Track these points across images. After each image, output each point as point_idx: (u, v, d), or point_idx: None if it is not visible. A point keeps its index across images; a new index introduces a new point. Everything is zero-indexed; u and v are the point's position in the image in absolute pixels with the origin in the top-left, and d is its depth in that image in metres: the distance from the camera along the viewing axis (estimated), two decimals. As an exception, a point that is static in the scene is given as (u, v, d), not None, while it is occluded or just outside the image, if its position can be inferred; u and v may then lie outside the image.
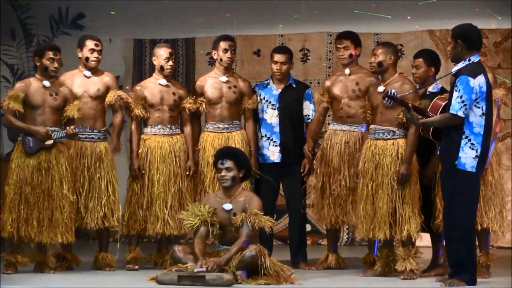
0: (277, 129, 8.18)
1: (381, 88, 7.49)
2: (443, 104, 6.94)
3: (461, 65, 6.74)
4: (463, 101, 6.62)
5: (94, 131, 7.94)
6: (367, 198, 7.44)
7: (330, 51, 10.12)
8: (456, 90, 6.65)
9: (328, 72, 10.12)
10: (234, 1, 10.23)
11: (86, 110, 7.90)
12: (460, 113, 6.63)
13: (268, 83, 8.26)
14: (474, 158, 6.63)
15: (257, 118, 8.25)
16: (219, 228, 7.28)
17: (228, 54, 8.09)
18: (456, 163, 6.64)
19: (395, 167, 7.35)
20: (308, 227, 9.35)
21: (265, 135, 8.20)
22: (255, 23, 10.26)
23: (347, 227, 9.83)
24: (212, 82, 8.18)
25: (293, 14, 10.11)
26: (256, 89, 8.28)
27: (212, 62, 10.28)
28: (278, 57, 8.15)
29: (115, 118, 8.01)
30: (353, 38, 8.03)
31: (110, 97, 7.94)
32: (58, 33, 10.45)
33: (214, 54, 8.19)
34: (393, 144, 7.41)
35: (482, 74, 6.72)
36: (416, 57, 7.81)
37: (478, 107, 6.67)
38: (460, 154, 6.64)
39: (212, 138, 8.13)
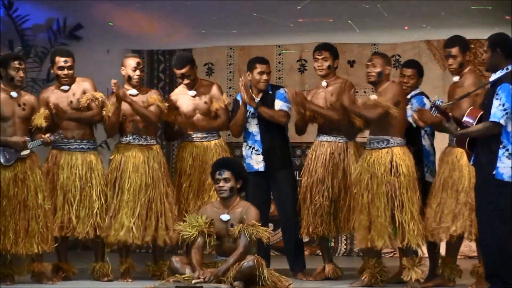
0: (258, 138, 8.16)
1: (373, 97, 7.52)
2: (479, 114, 6.77)
3: (499, 73, 6.62)
4: (505, 109, 6.48)
5: (84, 141, 7.96)
6: (363, 209, 7.45)
7: (327, 62, 10.19)
8: (497, 98, 6.51)
9: (325, 83, 10.18)
10: (232, 12, 10.27)
11: (72, 122, 7.92)
12: (502, 121, 6.49)
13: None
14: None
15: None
16: (216, 239, 7.27)
17: (138, 72, 8.06)
18: (494, 173, 6.53)
19: (390, 177, 7.36)
20: (306, 238, 9.31)
21: (248, 144, 8.20)
22: (252, 34, 10.29)
23: (345, 237, 9.93)
24: (182, 98, 8.22)
25: (290, 24, 10.13)
26: (238, 99, 8.23)
27: (210, 73, 10.31)
28: (264, 68, 8.14)
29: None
30: (332, 50, 8.08)
31: (84, 99, 7.91)
32: (56, 44, 10.44)
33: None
34: (387, 152, 7.44)
35: None
36: (407, 67, 7.92)
37: None
38: (498, 164, 6.52)
39: (191, 148, 8.16)
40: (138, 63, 8.06)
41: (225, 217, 7.27)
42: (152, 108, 7.99)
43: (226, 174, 7.27)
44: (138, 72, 8.05)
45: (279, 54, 10.26)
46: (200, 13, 10.34)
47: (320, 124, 8.13)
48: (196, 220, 7.27)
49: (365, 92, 9.77)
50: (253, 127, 8.18)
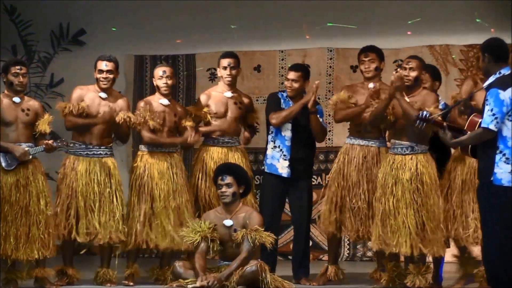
0: (288, 143, 8.13)
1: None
2: (479, 121, 6.77)
3: (492, 78, 6.65)
4: (494, 114, 6.47)
5: (102, 147, 7.97)
6: (389, 213, 7.45)
7: (330, 67, 10.19)
8: (487, 104, 6.52)
9: (329, 88, 10.17)
10: (235, 17, 10.32)
11: (96, 129, 7.93)
12: (492, 127, 6.47)
13: (287, 96, 8.23)
14: (510, 172, 6.50)
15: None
16: (219, 244, 7.31)
17: (164, 80, 8.08)
18: (492, 179, 6.52)
19: (415, 183, 7.38)
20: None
21: (278, 146, 8.17)
22: (255, 39, 10.33)
23: (348, 242, 9.94)
24: (216, 97, 8.27)
25: (293, 29, 10.18)
26: (279, 96, 8.24)
27: (213, 78, 10.34)
28: (290, 75, 8.15)
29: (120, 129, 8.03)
30: (378, 52, 8.03)
31: (120, 117, 7.90)
32: (59, 49, 10.51)
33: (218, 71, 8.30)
34: (411, 159, 7.46)
35: None
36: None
37: (510, 120, 6.55)
38: (496, 170, 6.50)
39: (212, 152, 8.19)
40: (164, 71, 8.07)
41: (228, 222, 7.30)
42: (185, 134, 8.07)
43: (229, 179, 7.30)
44: (164, 80, 8.05)
45: (282, 59, 10.29)
46: (203, 18, 10.40)
47: (353, 127, 8.11)
48: (199, 225, 7.30)
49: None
50: (287, 132, 8.15)
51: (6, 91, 7.77)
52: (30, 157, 7.64)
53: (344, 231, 8.04)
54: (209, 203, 8.14)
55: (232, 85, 8.30)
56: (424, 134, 7.45)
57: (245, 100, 8.37)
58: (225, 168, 7.46)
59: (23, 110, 7.73)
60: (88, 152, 7.93)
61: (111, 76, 7.98)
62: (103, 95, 7.97)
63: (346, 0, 10.07)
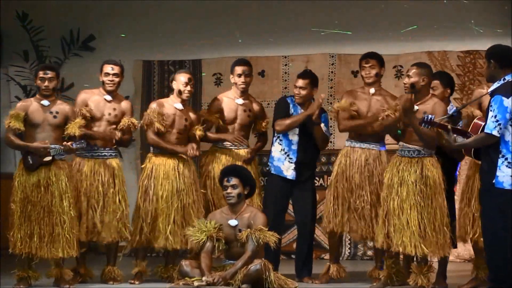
0: (295, 147, 8.23)
1: (414, 108, 7.51)
2: (483, 124, 6.88)
3: (496, 84, 6.72)
4: (497, 120, 6.56)
5: (106, 148, 8.09)
6: (394, 213, 7.50)
7: (332, 72, 10.21)
8: (490, 110, 6.61)
9: (330, 92, 10.20)
10: (240, 24, 10.38)
11: (100, 131, 8.07)
12: (495, 132, 6.56)
13: (294, 101, 8.33)
14: (511, 176, 6.60)
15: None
16: (225, 244, 7.39)
17: (188, 88, 8.19)
18: (494, 181, 6.60)
19: (420, 185, 7.45)
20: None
21: (283, 150, 8.27)
22: (259, 44, 10.37)
23: (349, 241, 10.00)
24: (228, 103, 8.39)
25: (296, 35, 10.23)
26: (288, 100, 8.34)
27: (218, 83, 10.43)
28: (298, 83, 8.24)
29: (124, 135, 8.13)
30: (379, 58, 8.13)
31: (123, 123, 8.05)
32: (70, 55, 10.56)
33: (232, 78, 8.42)
34: (417, 162, 7.51)
35: None
36: (432, 78, 7.78)
37: None
38: (498, 173, 6.59)
39: (220, 155, 8.32)
40: (189, 79, 8.17)
41: (233, 222, 7.40)
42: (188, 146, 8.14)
43: (234, 180, 7.40)
44: (189, 87, 8.16)
45: (285, 65, 10.35)
46: (209, 24, 10.46)
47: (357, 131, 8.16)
48: (205, 225, 7.39)
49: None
50: (294, 136, 8.25)
51: (37, 95, 7.93)
52: (50, 158, 7.71)
53: (348, 232, 8.11)
54: (217, 205, 8.22)
55: (244, 92, 8.41)
56: (432, 140, 7.49)
57: (255, 107, 8.45)
58: (231, 170, 7.55)
59: (51, 113, 7.83)
60: (93, 153, 8.04)
61: (117, 79, 8.10)
62: (108, 97, 8.08)
63: (347, 7, 10.12)
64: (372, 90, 8.11)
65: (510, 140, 6.64)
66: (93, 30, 10.64)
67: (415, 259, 7.70)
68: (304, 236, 8.31)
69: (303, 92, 8.20)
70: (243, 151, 8.35)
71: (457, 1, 9.80)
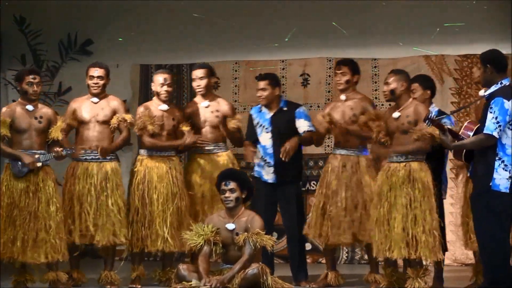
0: (270, 151, 8.26)
1: (396, 114, 7.60)
2: (475, 127, 6.96)
3: (493, 88, 6.77)
4: (498, 122, 6.61)
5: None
6: (383, 219, 7.54)
7: (329, 76, 10.19)
8: (490, 112, 6.65)
9: (328, 96, 10.23)
10: (237, 28, 10.40)
11: (94, 133, 8.06)
12: (495, 134, 6.61)
13: (261, 108, 8.40)
14: (507, 179, 6.65)
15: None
16: (222, 247, 7.39)
17: (165, 88, 8.22)
18: (490, 184, 6.64)
19: (407, 188, 7.48)
20: (309, 246, 9.40)
21: (261, 157, 8.30)
22: (257, 49, 10.39)
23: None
24: (194, 108, 8.41)
25: (294, 39, 10.23)
26: (252, 113, 8.44)
27: (216, 87, 10.48)
28: (259, 85, 8.30)
29: (120, 136, 8.13)
30: (351, 65, 8.22)
31: (114, 120, 8.08)
32: (67, 59, 10.57)
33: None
34: (405, 166, 7.54)
35: None
36: (411, 82, 7.91)
37: (511, 129, 6.69)
38: (495, 176, 6.63)
39: (200, 160, 8.32)
40: (165, 79, 8.18)
41: (230, 226, 7.40)
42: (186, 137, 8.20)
43: (232, 184, 7.41)
44: (165, 87, 8.18)
45: (283, 69, 10.36)
46: (207, 27, 10.48)
47: (334, 138, 8.28)
48: (202, 229, 7.39)
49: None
50: (267, 141, 8.29)
51: (20, 99, 7.89)
52: (40, 164, 7.73)
53: (318, 237, 8.19)
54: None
55: (205, 95, 8.41)
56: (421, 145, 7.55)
57: (224, 107, 8.42)
58: (229, 174, 7.56)
59: (36, 118, 7.82)
60: (87, 157, 8.04)
61: (102, 82, 8.09)
62: (95, 100, 8.10)
63: (345, 12, 10.14)
64: (342, 97, 8.23)
65: (507, 143, 6.69)
66: (90, 34, 10.66)
67: (407, 264, 7.70)
68: (293, 240, 8.33)
69: (265, 93, 8.27)
70: (221, 154, 8.37)
71: (454, 5, 9.86)
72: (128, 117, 8.12)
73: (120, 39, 10.56)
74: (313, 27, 10.26)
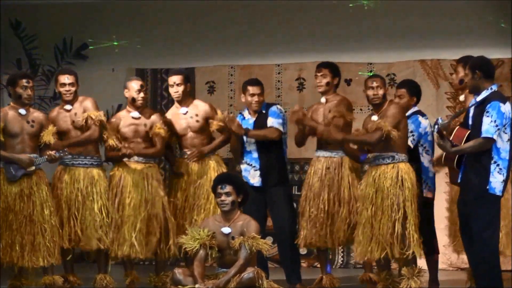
0: (255, 155, 8.30)
1: (374, 117, 7.69)
2: (467, 133, 6.96)
3: (485, 93, 6.83)
4: (497, 125, 6.69)
5: (87, 157, 8.09)
6: (366, 222, 7.58)
7: (325, 80, 10.34)
8: (487, 116, 6.70)
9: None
10: (233, 32, 10.45)
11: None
12: (495, 137, 6.69)
13: (244, 114, 8.44)
14: (501, 182, 6.74)
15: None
16: (217, 251, 7.38)
17: (142, 94, 8.24)
18: (487, 187, 6.73)
19: (396, 189, 7.52)
20: (304, 250, 9.40)
21: (246, 162, 8.35)
22: (252, 53, 10.43)
23: (342, 249, 10.01)
24: (174, 116, 8.42)
25: (289, 44, 10.30)
26: (238, 119, 8.41)
27: (211, 91, 10.48)
28: (255, 90, 8.33)
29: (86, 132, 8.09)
30: (331, 68, 8.26)
31: (81, 118, 8.06)
32: (63, 63, 10.58)
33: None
34: (393, 167, 7.59)
35: (508, 102, 6.85)
36: (399, 87, 8.09)
37: (506, 133, 6.77)
38: (491, 179, 6.72)
39: (186, 164, 8.33)
40: (141, 86, 8.21)
41: (226, 230, 7.38)
42: (157, 140, 8.19)
43: (228, 188, 7.38)
44: (142, 94, 8.20)
45: (279, 73, 10.39)
46: (202, 32, 10.51)
47: (318, 140, 8.28)
48: (198, 233, 7.38)
49: (361, 109, 9.90)
50: (251, 146, 8.32)
51: (12, 103, 7.90)
52: (34, 167, 7.75)
53: (297, 240, 8.19)
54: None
55: (183, 101, 8.41)
56: (403, 144, 7.65)
57: (203, 109, 8.42)
58: (225, 178, 7.55)
59: (28, 122, 7.84)
60: (73, 162, 8.06)
61: (73, 88, 8.10)
62: (68, 107, 8.11)
63: (341, 16, 10.18)
64: (322, 100, 8.28)
65: (501, 147, 6.75)
66: (86, 39, 10.68)
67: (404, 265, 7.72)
68: (283, 243, 8.34)
69: (261, 99, 8.35)
70: (207, 159, 8.37)
71: (450, 9, 9.91)
72: (95, 114, 8.07)
73: (115, 43, 10.57)
74: (309, 32, 10.30)
